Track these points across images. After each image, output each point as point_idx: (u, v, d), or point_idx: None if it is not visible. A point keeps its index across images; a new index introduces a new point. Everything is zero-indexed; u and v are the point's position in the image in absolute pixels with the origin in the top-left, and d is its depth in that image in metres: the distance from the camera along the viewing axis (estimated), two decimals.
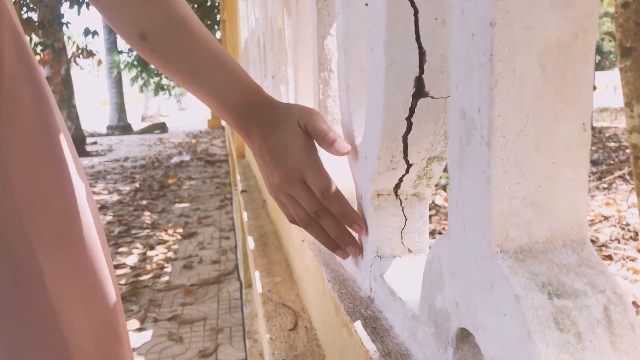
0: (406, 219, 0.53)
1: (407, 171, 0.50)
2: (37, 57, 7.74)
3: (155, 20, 0.53)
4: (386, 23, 0.44)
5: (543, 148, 0.29)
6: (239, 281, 2.92)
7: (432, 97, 0.46)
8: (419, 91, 0.45)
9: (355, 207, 0.57)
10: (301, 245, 0.81)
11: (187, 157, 8.00)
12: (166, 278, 3.00)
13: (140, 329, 2.35)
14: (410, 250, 0.54)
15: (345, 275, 0.61)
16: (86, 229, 0.52)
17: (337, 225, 0.54)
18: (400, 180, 0.51)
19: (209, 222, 4.21)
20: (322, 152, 0.54)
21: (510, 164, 0.29)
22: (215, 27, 11.82)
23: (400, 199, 0.53)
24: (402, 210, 0.53)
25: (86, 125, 14.04)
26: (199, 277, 3.01)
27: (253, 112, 0.55)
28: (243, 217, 1.42)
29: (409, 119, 0.46)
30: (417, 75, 0.45)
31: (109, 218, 4.49)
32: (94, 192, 5.64)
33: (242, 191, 1.75)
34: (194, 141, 10.64)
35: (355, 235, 0.57)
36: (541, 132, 0.29)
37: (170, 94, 17.25)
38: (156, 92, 16.45)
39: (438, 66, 0.45)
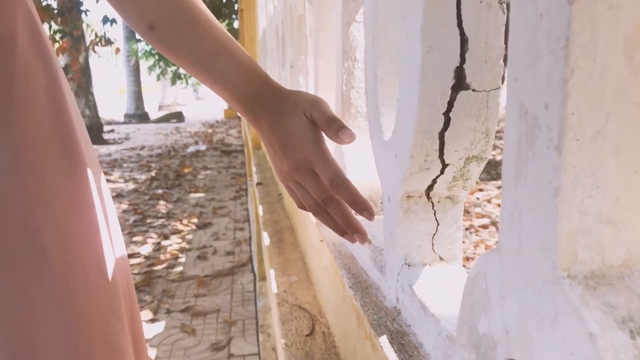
0: (438, 224, 0.49)
1: (442, 172, 0.45)
2: (56, 45, 7.79)
3: (162, 11, 0.53)
4: (424, 7, 0.39)
5: (624, 154, 0.24)
6: (252, 273, 2.90)
7: (473, 90, 0.41)
8: (459, 83, 0.40)
9: (381, 208, 0.54)
10: (319, 245, 0.77)
11: (203, 147, 8.01)
12: (180, 269, 2.98)
13: (152, 320, 2.34)
14: (441, 258, 0.49)
15: (368, 282, 0.56)
16: (97, 214, 0.52)
17: (344, 214, 0.55)
18: (434, 181, 0.46)
19: (223, 213, 4.20)
20: (347, 146, 0.50)
21: (584, 173, 0.24)
22: (233, 16, 11.78)
23: (432, 201, 0.48)
24: (434, 214, 0.48)
25: (104, 113, 14.13)
26: (212, 268, 2.99)
27: (260, 100, 0.56)
28: (258, 211, 1.38)
29: (446, 114, 0.41)
30: (458, 65, 0.40)
31: (124, 207, 4.50)
32: (109, 181, 5.66)
33: (258, 184, 1.72)
34: (210, 131, 10.65)
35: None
36: (623, 134, 0.24)
37: (187, 83, 17.29)
38: (173, 81, 16.50)
39: (482, 55, 0.40)
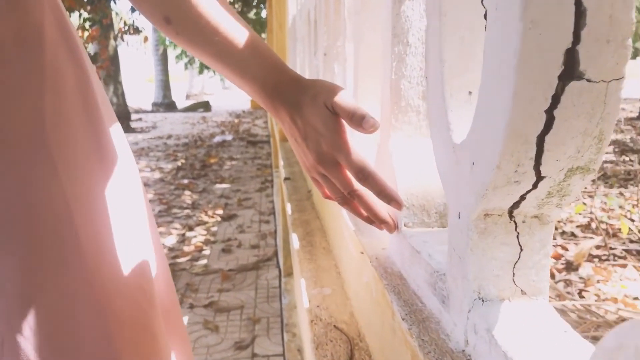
0: (521, 249, 0.38)
1: (535, 186, 0.35)
2: (86, 33, 7.83)
3: (178, 4, 0.52)
4: None
5: None
6: (277, 268, 2.82)
7: (588, 80, 0.30)
8: (569, 70, 0.30)
9: (435, 219, 0.45)
10: (359, 257, 0.67)
11: (229, 137, 7.98)
12: (204, 262, 2.93)
13: None
14: (523, 292, 0.39)
15: (424, 313, 0.47)
16: (127, 203, 0.54)
17: (371, 206, 0.54)
18: (522, 197, 0.36)
19: (249, 205, 4.14)
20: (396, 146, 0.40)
21: None
22: (262, 5, 11.70)
23: (515, 221, 0.38)
24: (517, 237, 0.38)
25: (132, 102, 14.26)
26: (237, 262, 2.93)
27: (279, 91, 0.55)
28: (287, 209, 1.29)
29: (549, 112, 0.31)
30: (569, 46, 0.30)
31: (150, 196, 4.47)
32: None
33: (286, 179, 1.63)
34: (236, 121, 10.63)
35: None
36: None
37: (214, 72, 17.32)
38: (201, 71, 16.55)
39: (603, 33, 0.29)
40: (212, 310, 2.34)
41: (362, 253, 0.64)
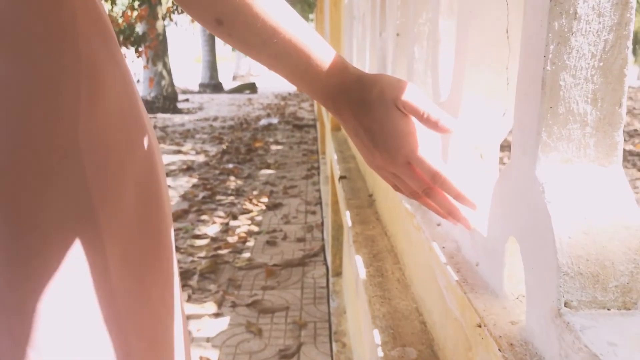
0: None
1: None
2: (135, 13, 7.81)
3: (229, 4, 0.48)
4: None
5: None
6: (325, 265, 2.65)
7: None
8: None
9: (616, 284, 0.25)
10: (468, 323, 0.47)
11: (275, 120, 7.84)
12: (247, 254, 2.79)
13: (217, 315, 2.15)
14: None
15: None
16: (157, 202, 0.53)
17: (447, 203, 0.52)
18: None
19: (294, 193, 3.98)
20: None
21: None
22: None
23: None
24: None
25: (180, 82, 14.35)
26: (282, 256, 2.77)
27: (341, 92, 0.52)
28: (345, 219, 1.10)
29: None
30: None
31: (194, 181, 4.38)
32: (181, 152, 5.61)
33: (341, 177, 1.43)
34: (282, 103, 10.49)
35: None
36: None
37: None
38: None
39: None
40: (255, 310, 2.19)
41: (479, 326, 0.44)
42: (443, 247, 0.59)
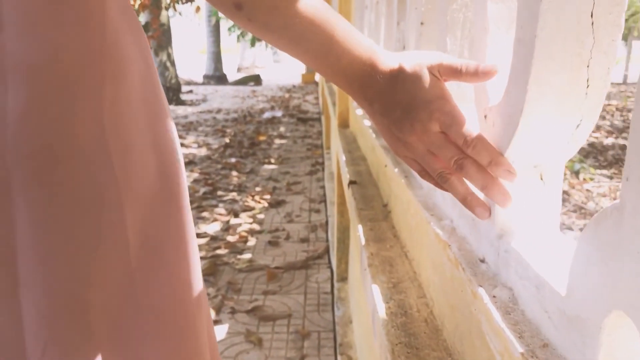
0: None
1: None
2: (137, 2, 7.66)
3: None
4: None
5: None
6: (329, 269, 2.52)
7: None
8: None
9: None
10: None
11: (278, 113, 7.69)
12: (249, 255, 2.66)
13: (215, 322, 2.02)
14: None
15: None
16: (177, 187, 0.52)
17: (483, 173, 0.48)
18: None
19: (298, 190, 3.84)
20: None
21: None
22: None
23: None
24: None
25: (184, 74, 14.19)
26: (284, 257, 2.64)
27: (370, 68, 0.51)
28: (357, 234, 0.96)
29: None
30: None
31: (195, 175, 4.26)
32: (183, 145, 5.48)
33: (351, 182, 1.29)
34: (287, 96, 10.33)
35: None
36: None
37: (266, 46, 17.04)
38: (252, 43, 16.29)
39: None
40: (255, 317, 2.07)
41: None
42: (494, 297, 0.46)
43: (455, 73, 0.49)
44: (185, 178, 0.55)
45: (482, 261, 0.54)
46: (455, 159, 0.48)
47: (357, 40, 0.51)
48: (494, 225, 0.51)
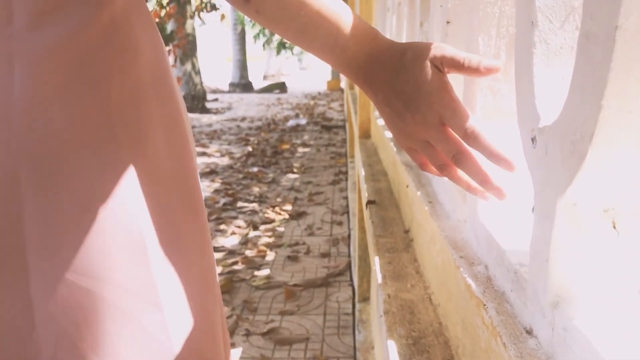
0: None
1: None
2: (163, 11, 7.69)
3: None
4: None
5: None
6: (351, 286, 2.39)
7: None
8: None
9: None
10: None
11: (303, 121, 7.60)
12: (266, 272, 2.54)
13: None
14: None
15: None
16: (197, 202, 0.53)
17: (479, 169, 0.47)
18: None
19: (320, 200, 3.72)
20: None
21: None
22: None
23: None
24: None
25: (210, 82, 14.25)
26: (304, 274, 2.52)
27: (374, 59, 0.52)
28: (374, 268, 0.83)
29: None
30: None
31: (216, 185, 4.18)
32: (206, 154, 5.42)
33: (369, 202, 1.16)
34: (311, 103, 10.24)
35: None
36: None
37: (292, 53, 17.03)
38: (278, 51, 16.29)
39: None
40: (271, 341, 1.94)
41: None
42: None
43: (457, 66, 0.48)
44: (195, 158, 0.55)
45: (529, 333, 0.40)
46: (453, 154, 0.47)
47: (362, 31, 0.51)
48: (547, 289, 0.37)
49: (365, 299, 2.13)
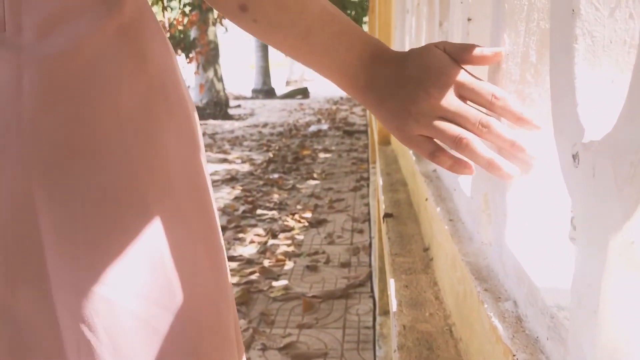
0: None
1: None
2: (186, 18, 7.74)
3: None
4: None
5: None
6: (372, 298, 2.30)
7: None
8: None
9: None
10: None
11: (324, 126, 7.53)
12: (284, 282, 2.48)
13: None
14: None
15: None
16: (208, 203, 0.53)
17: (506, 132, 0.45)
18: None
19: (341, 208, 3.64)
20: None
21: None
22: None
23: None
24: None
25: (233, 88, 14.31)
26: (323, 284, 2.44)
27: (377, 57, 0.51)
28: (389, 292, 0.76)
29: None
30: None
31: (236, 192, 4.14)
32: (227, 161, 5.40)
33: (386, 215, 1.08)
34: (334, 108, 10.17)
35: None
36: None
37: None
38: None
39: None
40: (288, 356, 1.87)
41: None
42: None
43: (461, 50, 0.47)
44: (205, 163, 0.55)
45: None
46: (480, 119, 0.46)
47: (365, 35, 0.51)
48: (596, 346, 0.29)
49: (386, 312, 2.04)
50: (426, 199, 0.89)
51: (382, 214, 1.13)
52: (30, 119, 0.40)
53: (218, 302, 0.52)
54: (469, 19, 0.67)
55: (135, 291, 0.45)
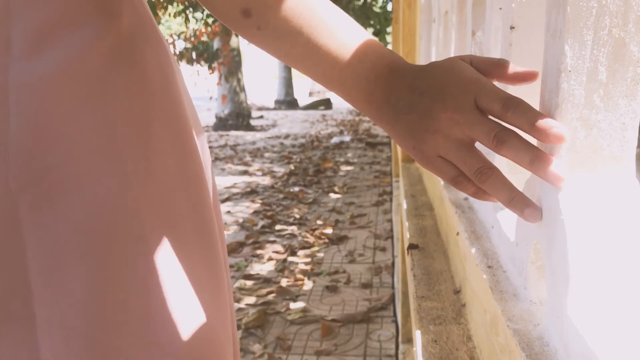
0: None
1: None
2: (209, 29, 7.77)
3: None
4: None
5: None
6: (394, 323, 2.18)
7: None
8: None
9: None
10: None
11: (347, 138, 7.44)
12: (302, 304, 2.37)
13: None
14: None
15: None
16: (207, 213, 0.50)
17: (528, 144, 0.41)
18: None
19: (362, 224, 3.52)
20: None
21: None
22: None
23: None
24: None
25: (256, 99, 14.36)
26: (343, 307, 2.33)
27: (393, 70, 0.47)
28: (414, 346, 0.64)
29: None
30: None
31: (255, 206, 4.06)
32: (247, 173, 5.33)
33: (411, 247, 0.97)
34: (356, 119, 10.08)
35: None
36: None
37: None
38: None
39: None
40: None
41: None
42: None
43: (487, 64, 0.45)
44: (212, 177, 0.53)
45: None
46: (495, 132, 0.42)
47: (378, 44, 0.48)
48: None
49: (409, 340, 1.92)
50: (457, 234, 0.77)
51: (406, 244, 1.02)
52: (17, 143, 0.38)
53: (220, 339, 0.48)
54: (512, 27, 0.57)
55: (131, 332, 0.41)
